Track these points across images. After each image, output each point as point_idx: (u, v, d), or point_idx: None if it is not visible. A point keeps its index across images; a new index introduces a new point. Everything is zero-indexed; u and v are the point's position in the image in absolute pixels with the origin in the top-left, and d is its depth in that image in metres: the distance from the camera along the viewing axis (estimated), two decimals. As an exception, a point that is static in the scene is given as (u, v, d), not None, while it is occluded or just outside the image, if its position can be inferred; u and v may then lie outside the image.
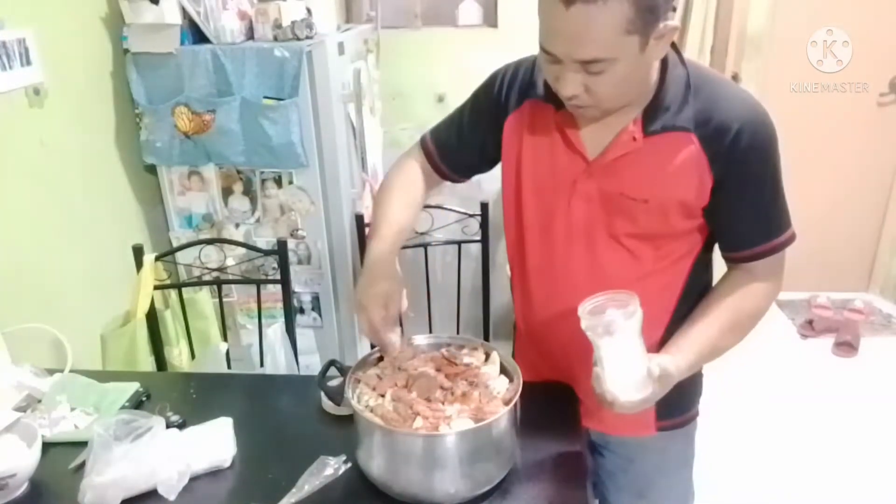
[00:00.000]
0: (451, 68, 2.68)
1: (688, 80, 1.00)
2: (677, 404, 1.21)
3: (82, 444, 1.10)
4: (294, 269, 2.14)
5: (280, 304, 1.86)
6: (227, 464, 1.10)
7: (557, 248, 1.12)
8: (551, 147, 1.09)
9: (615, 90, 0.94)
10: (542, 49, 0.94)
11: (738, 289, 1.07)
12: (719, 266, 1.14)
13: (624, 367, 0.95)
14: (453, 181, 1.28)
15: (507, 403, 1.00)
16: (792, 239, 1.05)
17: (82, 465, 1.04)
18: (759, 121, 0.99)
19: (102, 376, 1.35)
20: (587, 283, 1.04)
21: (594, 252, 1.09)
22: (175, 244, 2.11)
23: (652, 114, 1.00)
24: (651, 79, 1.00)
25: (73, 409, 1.24)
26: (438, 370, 1.10)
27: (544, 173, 1.11)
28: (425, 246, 1.97)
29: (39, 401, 1.26)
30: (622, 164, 1.03)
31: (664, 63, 1.00)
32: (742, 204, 1.02)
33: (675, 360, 0.99)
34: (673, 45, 1.01)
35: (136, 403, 1.28)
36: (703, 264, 1.13)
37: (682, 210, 1.03)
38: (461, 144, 1.22)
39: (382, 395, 1.05)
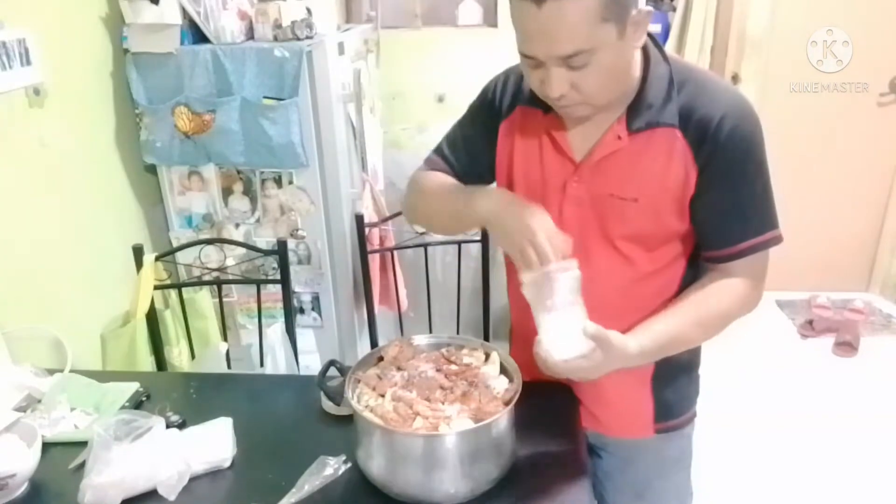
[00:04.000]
0: (451, 68, 2.68)
1: (671, 76, 1.00)
2: (675, 406, 1.21)
3: (82, 444, 1.10)
4: (294, 269, 2.14)
5: (280, 304, 1.86)
6: (227, 464, 1.11)
7: None
8: (540, 151, 1.09)
9: (602, 83, 0.93)
10: (523, 55, 0.94)
11: (710, 285, 1.06)
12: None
13: (558, 327, 0.95)
14: None
15: (507, 403, 1.00)
16: (774, 240, 1.03)
17: (82, 465, 1.05)
18: (742, 112, 0.98)
19: (102, 376, 1.35)
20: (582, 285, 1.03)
21: (587, 256, 1.07)
22: (175, 244, 2.11)
23: (636, 111, 1.00)
24: (634, 73, 1.00)
25: (73, 409, 1.24)
26: (438, 370, 1.10)
27: (535, 178, 1.10)
28: (425, 246, 1.97)
29: (39, 401, 1.26)
30: (609, 163, 1.03)
31: (646, 60, 1.01)
32: (722, 197, 1.00)
33: (624, 337, 0.97)
34: (655, 42, 1.02)
35: (136, 403, 1.28)
36: (696, 267, 1.12)
37: (673, 207, 1.02)
38: (470, 157, 1.20)
39: (382, 395, 1.05)
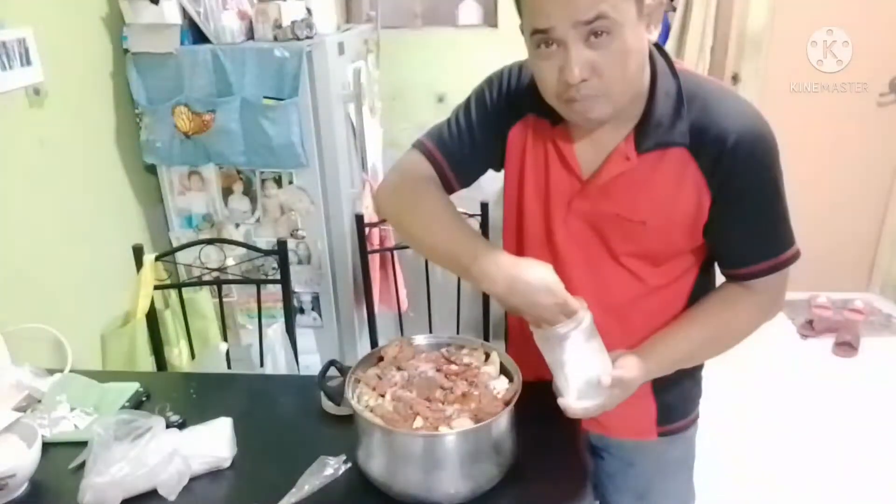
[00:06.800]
0: (451, 68, 2.68)
1: (679, 91, 0.96)
2: (678, 409, 1.21)
3: (82, 444, 1.09)
4: (294, 269, 2.14)
5: (280, 304, 1.86)
6: (227, 464, 1.10)
7: (558, 265, 1.06)
8: (546, 164, 1.06)
9: (622, 68, 0.87)
10: (537, 32, 0.87)
11: (730, 303, 1.05)
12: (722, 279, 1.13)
13: (575, 376, 0.96)
14: (452, 192, 1.17)
15: (507, 403, 1.00)
16: (794, 258, 1.01)
17: (82, 465, 1.04)
18: (756, 132, 0.93)
19: (102, 376, 1.35)
20: (590, 299, 1.01)
21: (595, 270, 1.07)
22: (175, 244, 2.11)
23: (643, 130, 0.96)
24: (645, 78, 0.96)
25: (73, 409, 1.24)
26: (438, 370, 1.10)
27: (542, 190, 1.07)
28: (425, 246, 1.97)
29: (39, 401, 1.26)
30: (617, 185, 1.00)
31: (653, 75, 0.96)
32: (740, 220, 0.98)
33: (645, 365, 0.99)
34: (664, 55, 0.99)
35: (136, 403, 1.28)
36: (706, 279, 1.11)
37: (683, 230, 1.00)
38: (473, 154, 1.12)
39: (382, 395, 1.05)
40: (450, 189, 1.14)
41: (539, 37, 0.88)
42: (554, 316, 0.93)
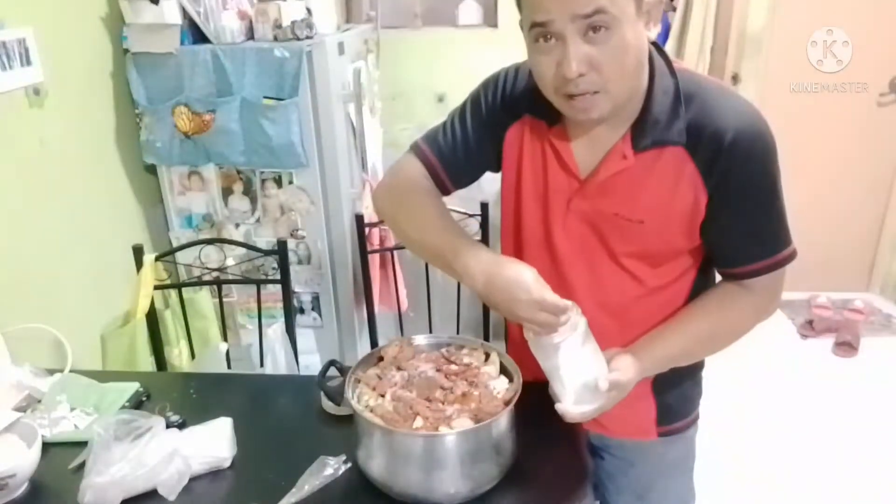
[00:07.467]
0: (451, 68, 2.68)
1: (677, 90, 0.95)
2: (678, 409, 1.20)
3: (82, 444, 1.10)
4: (294, 269, 2.14)
5: (280, 304, 1.86)
6: (227, 464, 1.10)
7: (557, 265, 1.09)
8: (545, 165, 1.06)
9: (621, 64, 0.87)
10: (535, 25, 0.87)
11: (726, 301, 1.05)
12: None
13: (571, 381, 0.97)
14: (447, 194, 1.20)
15: (507, 403, 1.00)
16: (791, 257, 1.01)
17: (82, 465, 1.04)
18: (754, 130, 0.93)
19: (102, 376, 1.35)
20: (589, 299, 1.02)
21: (594, 271, 1.07)
22: (175, 244, 2.11)
23: (641, 129, 0.96)
24: (643, 77, 0.96)
25: (73, 409, 1.24)
26: (438, 370, 1.10)
27: (541, 191, 1.07)
28: (425, 246, 1.97)
29: (39, 401, 1.26)
30: (614, 183, 0.99)
31: (651, 73, 0.96)
32: (737, 219, 0.98)
33: (640, 364, 1.00)
34: (662, 54, 0.99)
35: (136, 403, 1.28)
36: (705, 280, 1.10)
37: (681, 229, 1.00)
38: (468, 158, 1.13)
39: (382, 395, 1.05)
40: (445, 191, 1.16)
41: (537, 31, 0.88)
42: (531, 314, 0.92)
